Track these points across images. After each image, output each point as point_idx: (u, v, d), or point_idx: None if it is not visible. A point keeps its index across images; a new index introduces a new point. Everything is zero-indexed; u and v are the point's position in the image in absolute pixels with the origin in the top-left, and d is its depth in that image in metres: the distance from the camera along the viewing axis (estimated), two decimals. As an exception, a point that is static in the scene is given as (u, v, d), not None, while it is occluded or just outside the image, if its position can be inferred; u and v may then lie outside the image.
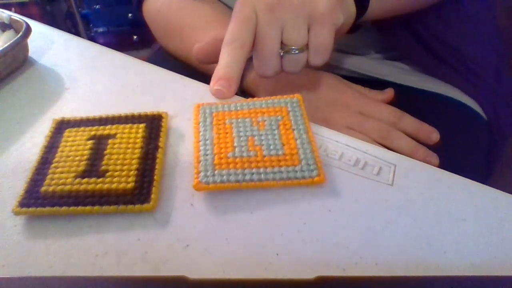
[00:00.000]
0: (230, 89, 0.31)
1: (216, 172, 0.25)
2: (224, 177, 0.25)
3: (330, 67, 0.49)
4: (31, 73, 0.37)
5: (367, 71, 0.49)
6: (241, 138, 0.27)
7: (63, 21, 1.55)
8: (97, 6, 1.51)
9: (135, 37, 1.56)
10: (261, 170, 0.25)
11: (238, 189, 0.25)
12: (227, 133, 0.28)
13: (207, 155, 0.26)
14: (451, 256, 0.22)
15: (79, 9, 1.50)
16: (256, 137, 0.27)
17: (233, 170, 0.25)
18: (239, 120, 0.29)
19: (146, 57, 0.57)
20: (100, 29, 1.56)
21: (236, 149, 0.27)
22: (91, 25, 1.55)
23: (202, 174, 0.25)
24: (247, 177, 0.25)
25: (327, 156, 0.28)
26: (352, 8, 0.35)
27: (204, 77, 0.36)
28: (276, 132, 0.28)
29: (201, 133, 0.28)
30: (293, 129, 0.28)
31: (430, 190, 0.26)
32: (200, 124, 0.29)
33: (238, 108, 0.30)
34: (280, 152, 0.26)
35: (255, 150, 0.26)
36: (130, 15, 1.52)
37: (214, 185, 0.25)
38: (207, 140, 0.27)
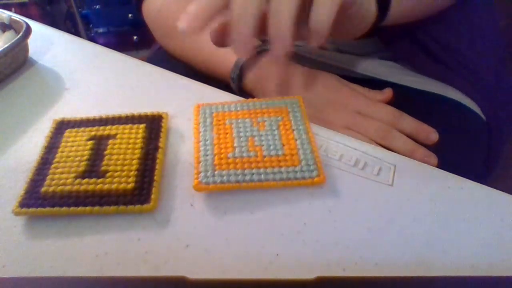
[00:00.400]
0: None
1: (216, 172, 0.25)
2: (224, 177, 0.25)
3: (329, 67, 0.49)
4: (31, 73, 0.37)
5: (366, 71, 0.49)
6: (241, 139, 0.27)
7: (63, 21, 1.55)
8: (97, 6, 1.51)
9: (135, 37, 1.57)
10: (261, 170, 0.25)
11: (238, 189, 0.25)
12: (227, 133, 0.28)
13: (207, 155, 0.26)
14: (451, 256, 0.22)
15: (79, 9, 1.50)
16: (256, 138, 0.27)
17: (233, 170, 0.25)
18: (239, 120, 0.29)
19: (146, 57, 0.57)
20: (100, 30, 1.56)
21: (236, 150, 0.27)
22: (91, 25, 1.55)
23: (202, 174, 0.25)
24: (247, 177, 0.25)
25: (327, 156, 0.28)
26: (373, 7, 0.34)
27: (204, 77, 0.36)
28: (276, 132, 0.28)
29: (201, 134, 0.28)
30: (293, 130, 0.28)
31: (430, 190, 0.26)
32: (200, 125, 0.29)
33: (238, 108, 0.30)
34: (280, 153, 0.26)
35: (255, 151, 0.26)
36: (130, 15, 1.52)
37: (214, 186, 0.25)
38: (207, 140, 0.28)
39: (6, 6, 1.40)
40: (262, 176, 0.25)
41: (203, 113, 0.30)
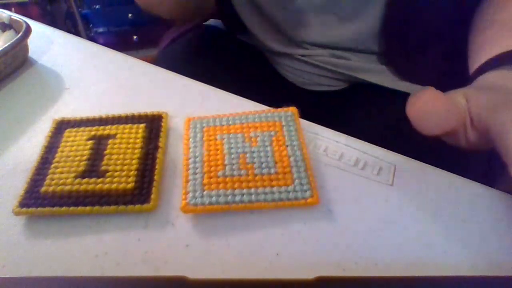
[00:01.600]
0: None
1: (205, 193, 0.24)
2: (213, 198, 0.24)
3: (334, 73, 0.49)
4: (31, 73, 0.37)
5: (371, 78, 0.48)
6: (232, 155, 0.26)
7: (63, 21, 1.56)
8: (97, 6, 1.51)
9: (135, 37, 1.57)
10: (252, 190, 0.24)
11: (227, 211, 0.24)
12: (217, 149, 0.27)
13: (196, 173, 0.25)
14: (451, 256, 0.22)
15: (79, 9, 1.50)
16: (248, 154, 0.26)
17: (223, 190, 0.24)
18: (230, 135, 0.28)
19: (151, 56, 0.58)
20: (100, 29, 1.56)
21: (227, 167, 0.26)
22: (91, 25, 1.55)
23: (190, 195, 0.24)
24: (237, 198, 0.24)
25: (327, 156, 0.28)
26: None
27: (205, 77, 0.36)
28: (268, 149, 0.27)
29: (190, 150, 0.27)
30: (287, 146, 0.27)
31: (430, 190, 0.26)
32: (190, 140, 0.28)
33: (230, 122, 0.29)
34: (272, 171, 0.25)
35: (246, 169, 0.25)
36: (130, 15, 1.52)
37: (202, 207, 0.24)
38: (197, 157, 0.26)
39: (6, 6, 1.40)
40: (253, 197, 0.24)
41: (193, 128, 0.29)
